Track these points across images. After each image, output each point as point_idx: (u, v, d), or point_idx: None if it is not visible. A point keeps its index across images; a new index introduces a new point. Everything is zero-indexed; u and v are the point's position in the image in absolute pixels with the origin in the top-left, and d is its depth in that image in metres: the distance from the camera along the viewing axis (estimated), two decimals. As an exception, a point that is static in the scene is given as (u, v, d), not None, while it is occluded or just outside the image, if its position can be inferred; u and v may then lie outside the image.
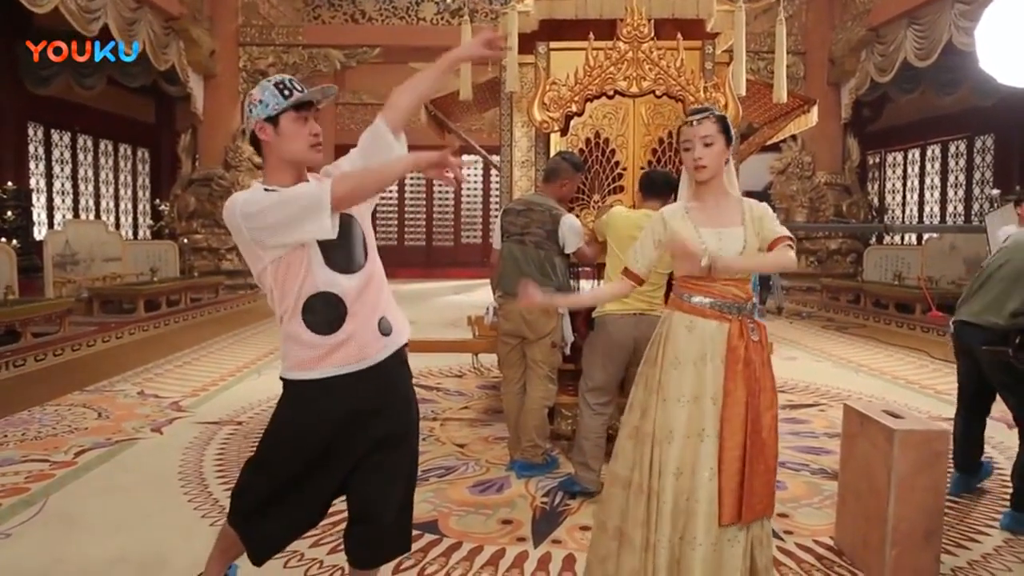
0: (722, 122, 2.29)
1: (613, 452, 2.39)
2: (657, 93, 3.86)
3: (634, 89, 3.84)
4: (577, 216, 3.91)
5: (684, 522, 2.19)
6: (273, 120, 1.94)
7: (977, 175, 13.79)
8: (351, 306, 1.98)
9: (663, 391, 2.26)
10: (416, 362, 6.21)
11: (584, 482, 3.49)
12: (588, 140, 4.02)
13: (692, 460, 2.20)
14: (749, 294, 2.31)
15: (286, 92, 1.94)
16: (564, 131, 3.99)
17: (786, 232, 2.30)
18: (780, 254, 2.26)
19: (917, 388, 5.91)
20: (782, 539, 3.00)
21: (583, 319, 4.26)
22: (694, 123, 2.27)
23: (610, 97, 3.91)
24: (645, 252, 2.42)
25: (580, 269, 4.24)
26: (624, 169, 3.99)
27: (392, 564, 2.69)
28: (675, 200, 2.57)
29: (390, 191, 17.23)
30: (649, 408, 2.29)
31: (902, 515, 2.61)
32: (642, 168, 3.88)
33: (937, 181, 14.79)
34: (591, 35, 3.87)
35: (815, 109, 4.74)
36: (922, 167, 15.21)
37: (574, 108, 3.86)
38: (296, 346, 1.99)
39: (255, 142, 2.00)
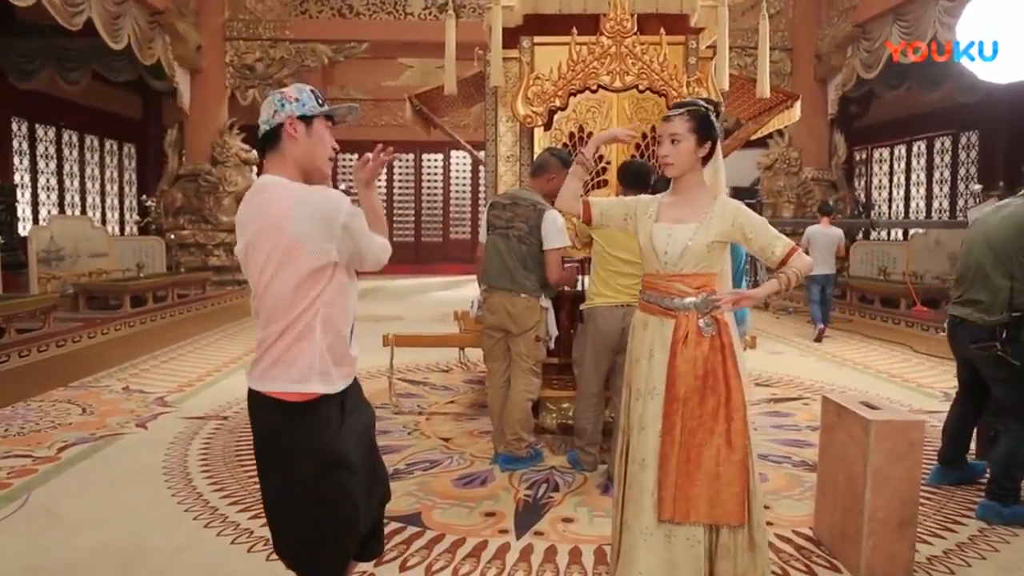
0: (698, 119, 2.23)
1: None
2: (640, 88, 3.88)
3: (617, 84, 3.87)
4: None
5: (637, 512, 2.25)
6: (307, 120, 1.96)
7: (962, 171, 13.90)
8: None
9: (632, 385, 2.36)
10: (403, 357, 6.13)
11: (583, 464, 3.73)
12: (572, 134, 4.03)
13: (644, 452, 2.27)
14: (705, 288, 2.24)
15: (320, 101, 1.99)
16: (548, 125, 4.00)
17: (789, 242, 2.27)
18: (798, 261, 2.23)
19: (900, 382, 5.96)
20: (762, 530, 3.03)
21: (567, 313, 4.29)
22: (668, 119, 2.28)
23: (593, 92, 3.93)
24: (611, 204, 2.51)
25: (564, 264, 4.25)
26: (608, 163, 4.01)
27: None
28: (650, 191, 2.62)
29: (379, 187, 17.20)
30: (628, 401, 2.36)
31: (878, 504, 2.64)
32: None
33: (923, 177, 14.90)
34: (574, 30, 3.89)
35: (798, 104, 4.77)
36: (908, 163, 15.32)
37: (558, 103, 3.88)
38: None
39: (269, 137, 1.96)
